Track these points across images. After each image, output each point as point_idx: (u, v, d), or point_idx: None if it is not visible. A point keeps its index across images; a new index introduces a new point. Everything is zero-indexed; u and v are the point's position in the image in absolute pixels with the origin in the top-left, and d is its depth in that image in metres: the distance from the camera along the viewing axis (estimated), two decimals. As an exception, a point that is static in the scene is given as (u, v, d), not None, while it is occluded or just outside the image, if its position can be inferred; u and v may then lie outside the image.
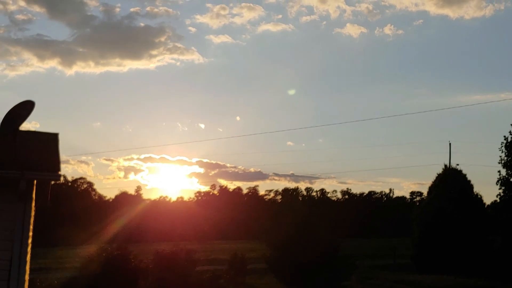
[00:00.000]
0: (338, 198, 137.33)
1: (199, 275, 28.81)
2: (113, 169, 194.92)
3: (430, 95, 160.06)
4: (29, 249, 10.24)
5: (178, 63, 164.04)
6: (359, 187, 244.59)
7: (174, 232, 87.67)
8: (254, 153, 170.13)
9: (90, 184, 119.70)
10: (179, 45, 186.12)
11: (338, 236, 36.35)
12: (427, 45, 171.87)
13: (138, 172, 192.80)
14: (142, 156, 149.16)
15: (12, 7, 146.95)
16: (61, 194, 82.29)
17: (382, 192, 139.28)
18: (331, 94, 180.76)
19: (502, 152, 43.42)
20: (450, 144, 52.03)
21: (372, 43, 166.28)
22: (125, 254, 26.25)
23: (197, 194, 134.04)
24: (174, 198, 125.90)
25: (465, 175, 45.36)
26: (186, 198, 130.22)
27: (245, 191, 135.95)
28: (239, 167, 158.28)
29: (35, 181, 9.91)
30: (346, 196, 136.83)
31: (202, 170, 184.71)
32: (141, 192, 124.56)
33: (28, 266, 10.80)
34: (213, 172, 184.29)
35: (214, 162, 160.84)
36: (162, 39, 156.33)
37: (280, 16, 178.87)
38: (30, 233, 10.40)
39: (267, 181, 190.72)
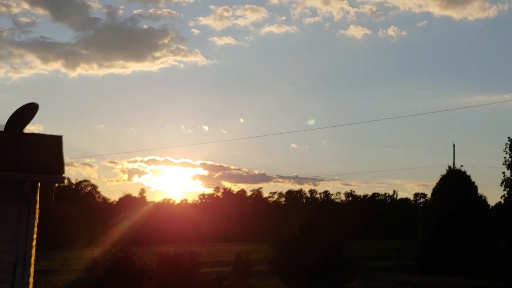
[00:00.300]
0: (342, 200, 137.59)
1: (203, 277, 28.85)
2: (117, 171, 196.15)
3: (434, 96, 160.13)
4: (33, 251, 10.25)
5: (181, 65, 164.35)
6: (362, 189, 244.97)
7: (178, 234, 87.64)
8: (258, 155, 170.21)
9: (94, 187, 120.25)
10: (182, 47, 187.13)
11: (342, 237, 36.30)
12: (431, 46, 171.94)
13: (142, 174, 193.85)
14: (146, 159, 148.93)
15: (16, 10, 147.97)
16: (65, 197, 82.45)
17: (386, 193, 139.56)
18: (334, 96, 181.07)
19: (506, 153, 43.38)
20: (454, 145, 52.06)
21: (376, 44, 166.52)
22: (129, 256, 26.27)
23: (201, 197, 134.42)
24: (178, 201, 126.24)
25: (469, 176, 45.43)
26: (190, 200, 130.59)
27: (249, 193, 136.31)
28: (243, 169, 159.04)
29: (39, 184, 9.92)
30: (350, 198, 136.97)
31: (206, 173, 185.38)
32: (145, 194, 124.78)
33: (33, 269, 10.82)
34: (217, 174, 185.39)
35: (218, 164, 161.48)
36: (166, 41, 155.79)
37: (283, 17, 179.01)
38: (34, 235, 10.42)
39: (271, 183, 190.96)
